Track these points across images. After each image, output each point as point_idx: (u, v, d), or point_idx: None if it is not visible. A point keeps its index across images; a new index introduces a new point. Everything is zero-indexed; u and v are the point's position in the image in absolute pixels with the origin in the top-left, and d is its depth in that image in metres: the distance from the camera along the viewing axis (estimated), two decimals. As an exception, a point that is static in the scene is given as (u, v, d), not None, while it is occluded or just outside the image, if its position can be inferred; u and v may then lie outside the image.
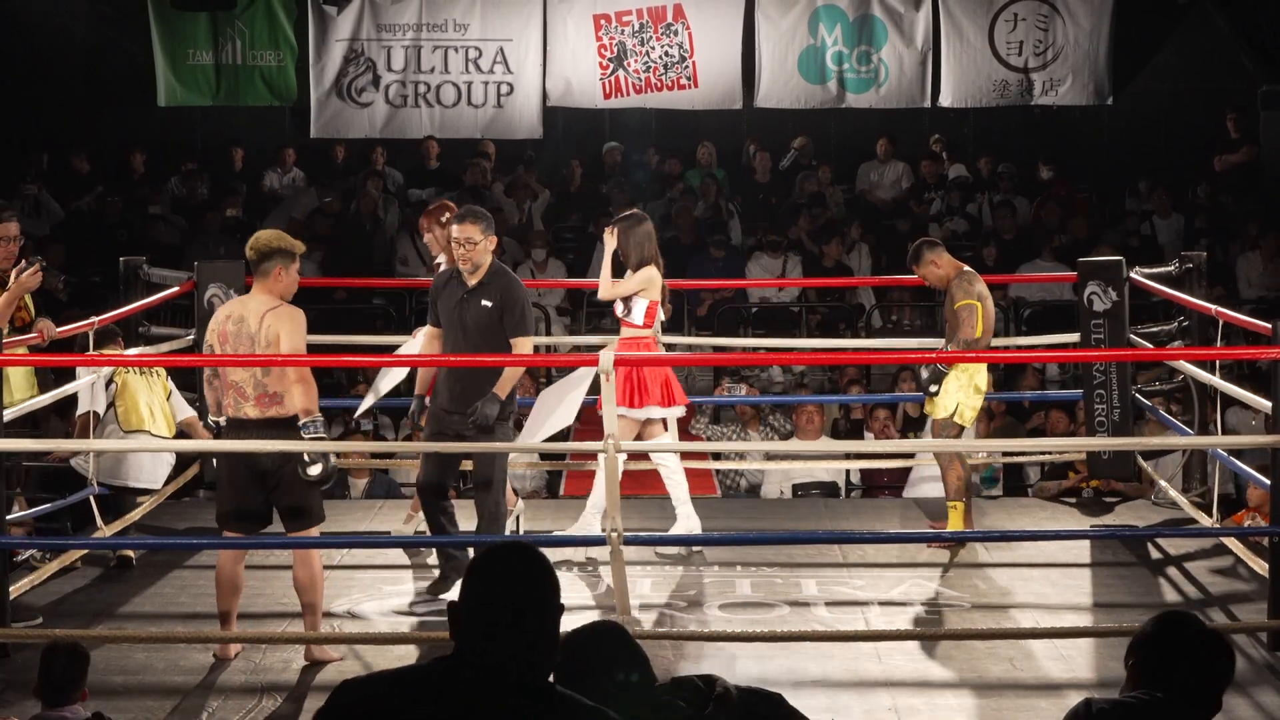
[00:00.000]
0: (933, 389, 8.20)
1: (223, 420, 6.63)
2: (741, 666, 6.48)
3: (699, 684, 3.40)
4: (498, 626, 2.82)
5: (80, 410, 8.00)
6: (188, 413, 8.32)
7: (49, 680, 5.36)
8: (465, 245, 7.07)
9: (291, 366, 6.45)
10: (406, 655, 6.63)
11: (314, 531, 6.64)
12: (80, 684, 5.41)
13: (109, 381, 8.01)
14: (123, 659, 6.61)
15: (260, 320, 6.43)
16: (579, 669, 3.24)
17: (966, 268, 8.33)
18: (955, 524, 8.11)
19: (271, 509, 6.63)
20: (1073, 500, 9.44)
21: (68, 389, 7.94)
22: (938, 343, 11.37)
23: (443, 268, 7.63)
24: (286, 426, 6.45)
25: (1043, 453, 9.99)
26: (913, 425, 11.65)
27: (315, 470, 6.46)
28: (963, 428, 8.32)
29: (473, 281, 7.14)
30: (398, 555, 8.09)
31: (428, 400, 7.41)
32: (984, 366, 8.32)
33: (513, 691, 2.79)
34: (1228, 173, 14.73)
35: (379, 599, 7.42)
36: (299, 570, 6.61)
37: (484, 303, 7.12)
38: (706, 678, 3.43)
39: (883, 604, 7.34)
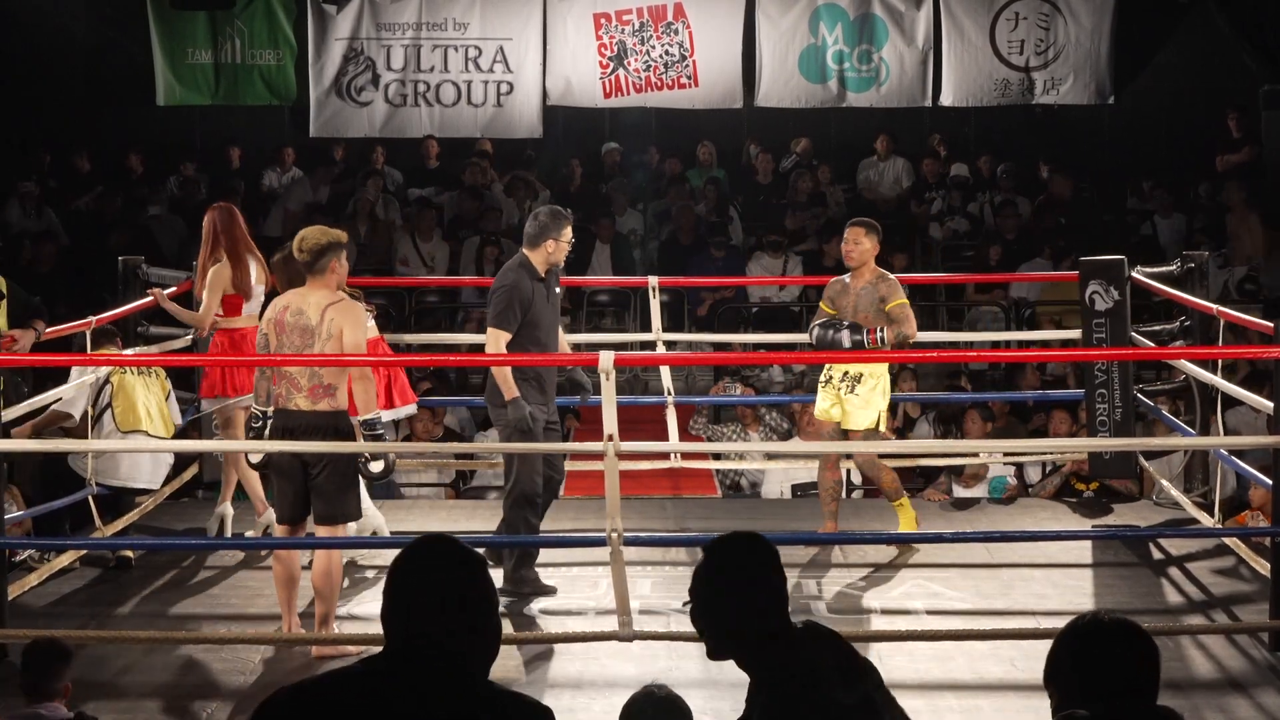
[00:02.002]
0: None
1: (268, 410, 6.70)
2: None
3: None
4: (423, 621, 2.77)
5: (58, 406, 7.91)
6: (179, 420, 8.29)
7: (28, 675, 5.37)
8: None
9: (309, 365, 6.56)
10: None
11: (343, 530, 6.73)
12: (60, 680, 5.39)
13: (105, 381, 7.98)
14: (121, 659, 6.59)
15: (322, 314, 6.58)
16: None
17: (885, 272, 8.23)
18: (908, 522, 8.12)
19: (309, 500, 6.69)
20: (1073, 500, 9.42)
21: (63, 388, 7.91)
22: (933, 339, 11.38)
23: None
24: (335, 420, 6.57)
25: (1043, 453, 9.97)
26: (912, 425, 11.64)
27: (377, 467, 6.66)
28: (880, 435, 8.25)
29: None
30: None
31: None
32: (887, 372, 8.24)
33: (445, 685, 2.74)
34: (1229, 172, 14.70)
35: (379, 600, 7.38)
36: (318, 567, 6.66)
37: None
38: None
39: (883, 604, 7.32)
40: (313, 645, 6.64)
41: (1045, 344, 10.64)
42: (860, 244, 8.12)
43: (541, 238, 7.47)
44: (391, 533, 8.49)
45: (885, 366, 8.15)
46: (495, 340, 7.36)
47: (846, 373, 8.07)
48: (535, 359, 7.45)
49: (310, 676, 2.89)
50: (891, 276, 8.17)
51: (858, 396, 8.04)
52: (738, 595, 3.37)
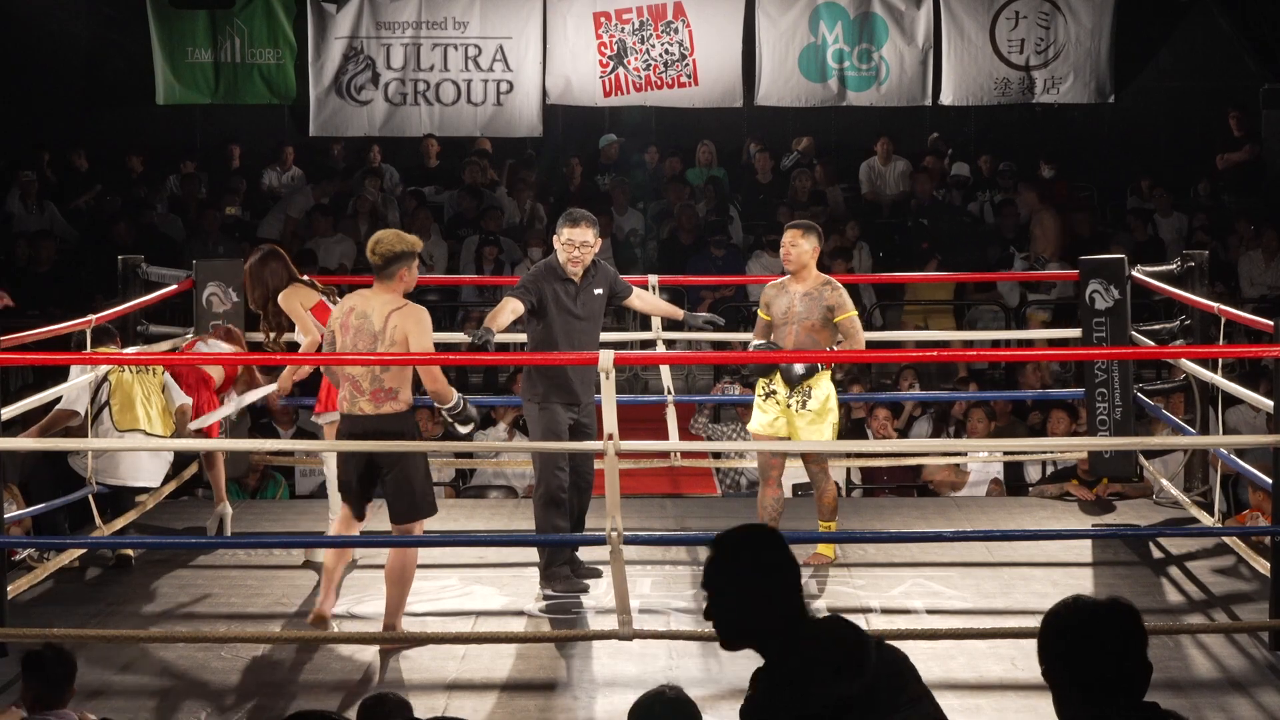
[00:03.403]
0: (800, 383, 7.65)
1: (324, 419, 6.93)
2: (742, 668, 6.46)
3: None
4: None
5: (62, 405, 7.92)
6: (182, 399, 8.26)
7: (42, 683, 5.32)
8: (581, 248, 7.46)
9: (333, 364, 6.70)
10: (406, 654, 6.62)
11: (419, 528, 6.84)
12: (68, 689, 5.37)
13: (103, 380, 7.97)
14: (121, 659, 6.58)
15: (385, 318, 6.66)
16: None
17: (830, 278, 7.88)
18: (826, 548, 7.93)
19: (371, 493, 6.87)
20: (1074, 499, 9.41)
21: (61, 387, 7.91)
22: (935, 338, 11.38)
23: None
24: (401, 423, 6.68)
25: (1043, 452, 9.97)
26: (914, 423, 11.63)
27: (466, 429, 6.89)
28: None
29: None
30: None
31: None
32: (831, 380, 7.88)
33: None
34: (1229, 171, 14.71)
35: (378, 599, 7.39)
36: (393, 560, 6.77)
37: (596, 291, 7.58)
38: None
39: (883, 604, 7.32)
40: (379, 643, 6.69)
41: (1034, 343, 10.63)
42: (798, 245, 7.73)
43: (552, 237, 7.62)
44: (389, 534, 8.50)
45: (830, 380, 7.78)
46: (503, 305, 7.34)
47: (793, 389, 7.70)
48: (537, 358, 7.46)
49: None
50: (838, 284, 7.78)
51: (810, 412, 7.69)
52: (747, 586, 3.39)
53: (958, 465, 10.20)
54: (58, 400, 7.95)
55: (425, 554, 7.95)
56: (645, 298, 8.13)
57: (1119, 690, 3.09)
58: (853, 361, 11.19)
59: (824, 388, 7.72)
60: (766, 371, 7.80)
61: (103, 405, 7.96)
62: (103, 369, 7.92)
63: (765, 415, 7.80)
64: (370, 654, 6.65)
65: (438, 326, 13.05)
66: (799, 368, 7.61)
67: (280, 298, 7.96)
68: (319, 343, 7.92)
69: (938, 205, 14.73)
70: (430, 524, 8.29)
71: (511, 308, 7.35)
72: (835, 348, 7.71)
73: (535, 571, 7.60)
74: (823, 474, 7.88)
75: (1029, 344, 11.45)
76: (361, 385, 6.67)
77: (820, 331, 7.70)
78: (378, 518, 8.92)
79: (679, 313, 8.24)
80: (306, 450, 9.89)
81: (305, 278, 8.12)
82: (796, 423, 7.71)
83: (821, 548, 7.94)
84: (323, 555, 7.22)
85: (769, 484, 7.84)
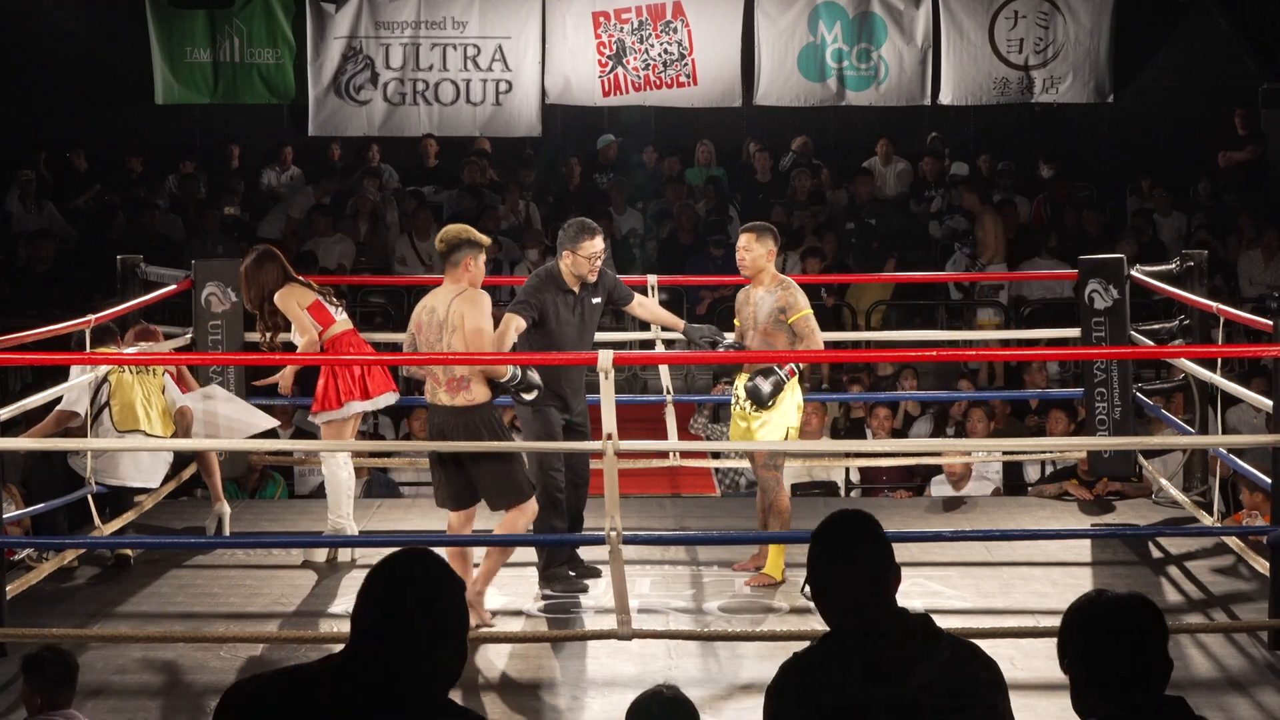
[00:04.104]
0: (770, 402, 7.47)
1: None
2: (741, 667, 6.46)
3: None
4: (388, 634, 2.77)
5: (62, 406, 7.92)
6: (182, 400, 8.26)
7: (44, 684, 5.32)
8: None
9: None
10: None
11: (528, 509, 6.94)
12: (69, 691, 5.36)
13: (102, 381, 7.97)
14: (120, 658, 6.58)
15: (448, 306, 6.83)
16: None
17: (786, 277, 7.74)
18: (776, 560, 7.58)
19: (464, 484, 6.99)
20: (1073, 499, 9.41)
21: (62, 387, 7.91)
22: (934, 338, 11.37)
23: None
24: (475, 414, 6.83)
25: (1042, 452, 9.97)
26: (912, 424, 11.64)
27: (530, 396, 7.02)
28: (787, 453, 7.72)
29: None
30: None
31: None
32: (798, 385, 7.62)
33: (397, 694, 2.75)
34: (1232, 170, 14.68)
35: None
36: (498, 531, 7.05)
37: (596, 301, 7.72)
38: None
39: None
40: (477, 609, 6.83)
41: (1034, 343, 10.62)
42: (750, 249, 7.59)
43: (560, 248, 7.58)
44: (389, 533, 8.50)
45: (791, 381, 7.56)
46: (505, 324, 7.36)
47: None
48: (536, 358, 7.45)
49: (271, 671, 2.95)
50: (792, 283, 7.62)
51: (759, 414, 7.53)
52: (837, 571, 3.39)
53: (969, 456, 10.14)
54: (58, 400, 7.95)
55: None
56: (647, 305, 8.13)
57: (1136, 686, 3.08)
58: (812, 361, 11.16)
59: (782, 402, 7.54)
60: (731, 374, 7.77)
61: (103, 406, 7.96)
62: (103, 369, 7.92)
63: (739, 421, 7.71)
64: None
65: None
66: (765, 388, 7.43)
67: (276, 298, 7.96)
68: (316, 341, 7.93)
69: (885, 204, 14.73)
70: (433, 523, 8.32)
71: (515, 326, 7.37)
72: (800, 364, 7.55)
73: (534, 571, 7.60)
74: (773, 480, 7.61)
75: (1030, 343, 11.44)
76: (439, 376, 6.87)
77: (773, 334, 7.55)
78: (375, 516, 8.93)
79: (679, 323, 8.19)
80: (305, 450, 9.88)
81: (301, 278, 8.12)
82: (752, 425, 7.56)
83: (768, 566, 7.61)
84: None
85: (779, 495, 7.68)
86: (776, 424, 7.53)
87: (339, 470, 7.98)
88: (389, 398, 8.09)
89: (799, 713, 3.25)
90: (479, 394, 6.84)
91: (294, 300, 7.92)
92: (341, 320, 8.03)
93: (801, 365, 7.74)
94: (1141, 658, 3.11)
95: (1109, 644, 3.09)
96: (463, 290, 6.86)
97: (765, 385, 7.43)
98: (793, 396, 7.57)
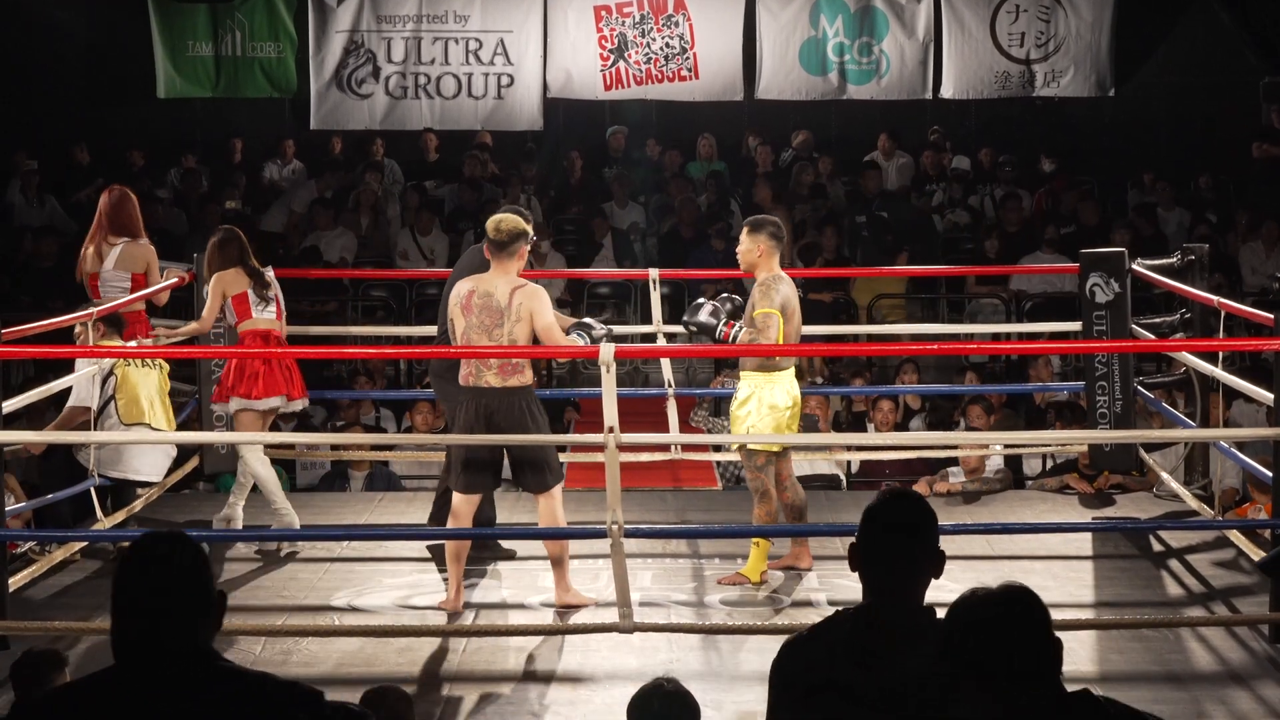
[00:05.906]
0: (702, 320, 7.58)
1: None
2: (743, 661, 6.47)
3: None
4: (156, 618, 2.92)
5: (73, 403, 7.94)
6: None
7: (39, 687, 5.30)
8: None
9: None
10: (407, 647, 6.62)
11: (558, 495, 7.06)
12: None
13: (109, 374, 7.98)
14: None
15: (510, 295, 6.94)
16: None
17: (780, 273, 7.61)
18: (757, 562, 7.42)
19: (502, 467, 7.16)
20: (1074, 492, 9.42)
21: (66, 380, 7.91)
22: (936, 335, 11.37)
23: None
24: (525, 396, 6.94)
25: (1043, 445, 9.97)
26: (914, 416, 11.63)
27: (600, 333, 7.28)
28: (771, 454, 7.57)
29: None
30: (397, 548, 8.08)
31: None
32: (782, 384, 7.51)
33: (194, 676, 2.91)
34: (1264, 161, 14.56)
35: (379, 591, 7.41)
36: (550, 547, 7.11)
37: None
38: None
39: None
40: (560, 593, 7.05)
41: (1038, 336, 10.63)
42: (742, 244, 7.60)
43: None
44: (391, 527, 8.50)
45: (762, 379, 7.51)
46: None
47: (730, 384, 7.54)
48: (536, 351, 7.46)
49: (65, 684, 3.13)
50: (773, 280, 7.47)
51: (734, 409, 7.56)
52: (878, 550, 3.53)
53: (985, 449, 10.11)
54: (63, 392, 7.97)
55: (423, 548, 7.97)
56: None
57: (1025, 677, 2.98)
58: (807, 355, 11.19)
59: (744, 389, 7.54)
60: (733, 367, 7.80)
61: (109, 398, 7.97)
62: (108, 362, 7.93)
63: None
64: (371, 647, 6.66)
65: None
66: (699, 316, 7.63)
67: (213, 278, 8.03)
68: (203, 330, 8.16)
69: (894, 197, 14.71)
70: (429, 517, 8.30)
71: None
72: (740, 334, 7.50)
73: (535, 564, 7.60)
74: (756, 482, 7.54)
75: (1032, 337, 11.46)
76: (489, 359, 6.91)
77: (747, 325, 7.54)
78: (377, 509, 8.94)
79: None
80: (308, 443, 9.88)
81: (256, 266, 8.11)
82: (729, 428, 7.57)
83: (747, 566, 7.46)
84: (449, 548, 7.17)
85: (764, 498, 7.57)
86: (743, 422, 7.48)
87: (258, 467, 8.00)
88: (280, 400, 7.97)
89: (792, 689, 3.33)
90: (529, 375, 7.01)
91: (222, 285, 8.03)
92: (262, 317, 8.03)
93: (801, 361, 7.73)
94: (1024, 650, 3.01)
95: (991, 640, 2.98)
96: (520, 283, 7.00)
97: (700, 313, 7.61)
98: (767, 396, 7.49)
